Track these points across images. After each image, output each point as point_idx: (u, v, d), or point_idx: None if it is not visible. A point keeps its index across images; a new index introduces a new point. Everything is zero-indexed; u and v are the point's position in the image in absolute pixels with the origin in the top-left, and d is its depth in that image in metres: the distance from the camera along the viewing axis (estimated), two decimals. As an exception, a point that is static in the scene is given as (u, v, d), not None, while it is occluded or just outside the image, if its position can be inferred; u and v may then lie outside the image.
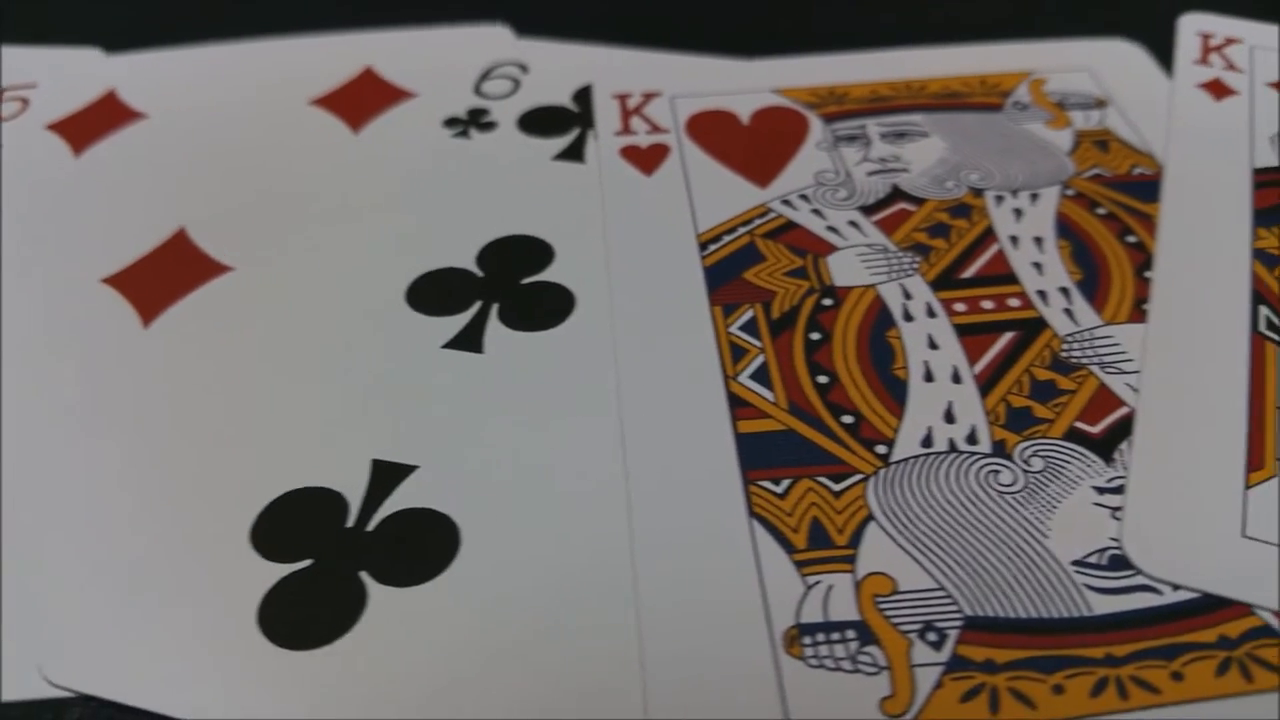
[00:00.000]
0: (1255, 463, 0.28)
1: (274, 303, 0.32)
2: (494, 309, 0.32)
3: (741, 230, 0.34)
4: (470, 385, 0.30)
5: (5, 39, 0.43)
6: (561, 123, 0.38)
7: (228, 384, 0.30)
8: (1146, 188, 0.35)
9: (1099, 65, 0.40)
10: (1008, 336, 0.30)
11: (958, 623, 0.24)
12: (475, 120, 0.38)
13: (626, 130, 0.38)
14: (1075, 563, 0.25)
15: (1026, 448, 0.28)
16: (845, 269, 0.32)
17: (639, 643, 0.24)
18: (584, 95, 0.39)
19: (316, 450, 0.28)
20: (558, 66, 0.40)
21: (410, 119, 0.38)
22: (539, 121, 0.38)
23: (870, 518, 0.26)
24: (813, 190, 0.35)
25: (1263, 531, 0.26)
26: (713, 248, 0.33)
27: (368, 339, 0.31)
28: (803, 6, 0.46)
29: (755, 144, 0.37)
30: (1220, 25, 0.43)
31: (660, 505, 0.27)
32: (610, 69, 0.40)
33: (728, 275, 0.32)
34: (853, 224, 0.34)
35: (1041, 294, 0.32)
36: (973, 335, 0.30)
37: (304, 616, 0.25)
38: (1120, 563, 0.26)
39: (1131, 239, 0.33)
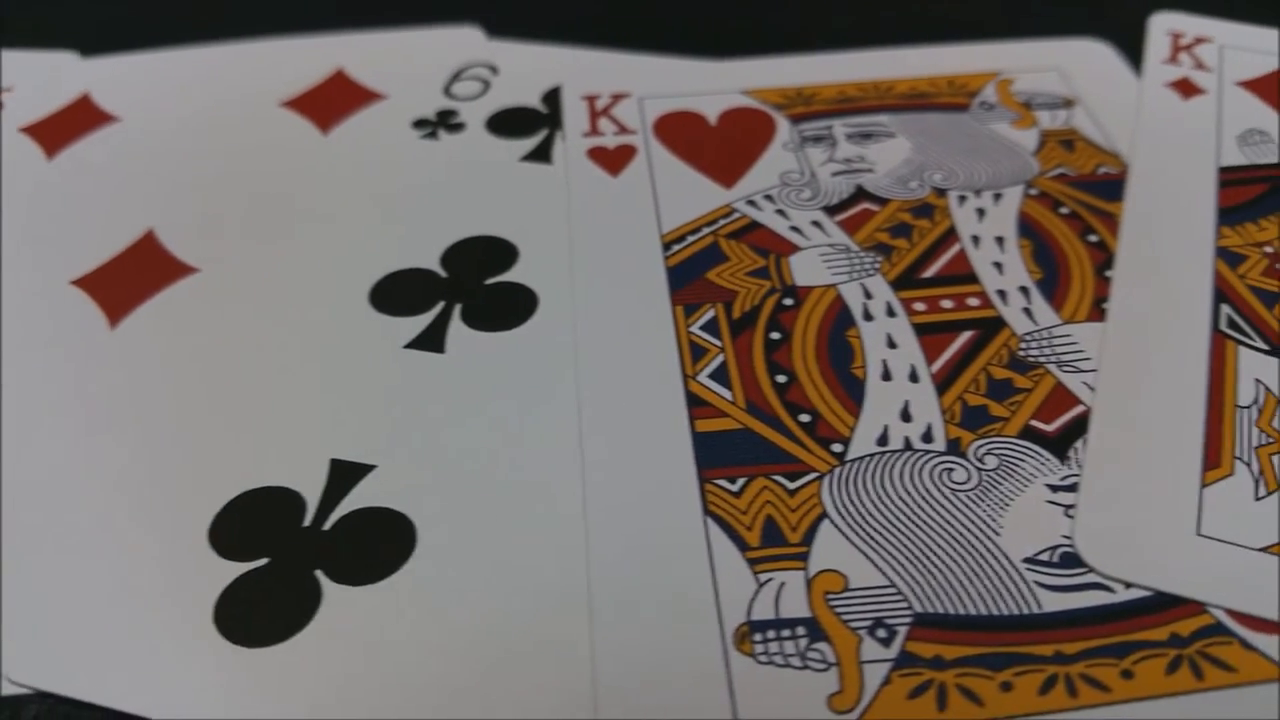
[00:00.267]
0: (1212, 461, 0.28)
1: (238, 304, 0.32)
2: (457, 309, 0.32)
3: (705, 231, 0.34)
4: (431, 385, 0.30)
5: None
6: (530, 124, 0.38)
7: (190, 384, 0.30)
8: (1110, 187, 0.35)
9: (1068, 65, 0.40)
10: (966, 335, 0.31)
11: (907, 619, 0.25)
12: (444, 121, 0.38)
13: (594, 131, 0.38)
14: (1027, 560, 0.26)
15: (981, 446, 0.28)
16: (807, 269, 0.33)
17: (591, 640, 0.24)
18: (553, 96, 0.39)
19: (277, 450, 0.28)
20: (528, 68, 0.40)
21: (379, 120, 0.39)
22: (507, 123, 0.38)
23: (824, 516, 0.26)
24: (778, 191, 0.35)
25: (1217, 530, 0.26)
26: (676, 248, 0.33)
27: (331, 339, 0.31)
28: (774, 7, 0.46)
29: (722, 145, 0.37)
30: (1191, 24, 0.43)
31: (616, 504, 0.27)
32: (580, 70, 0.40)
33: (690, 275, 0.33)
34: (816, 224, 0.34)
35: (1001, 293, 0.32)
36: (931, 334, 0.31)
37: (258, 615, 0.25)
38: (1072, 560, 0.26)
39: (1093, 238, 0.33)
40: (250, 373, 0.30)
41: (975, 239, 0.33)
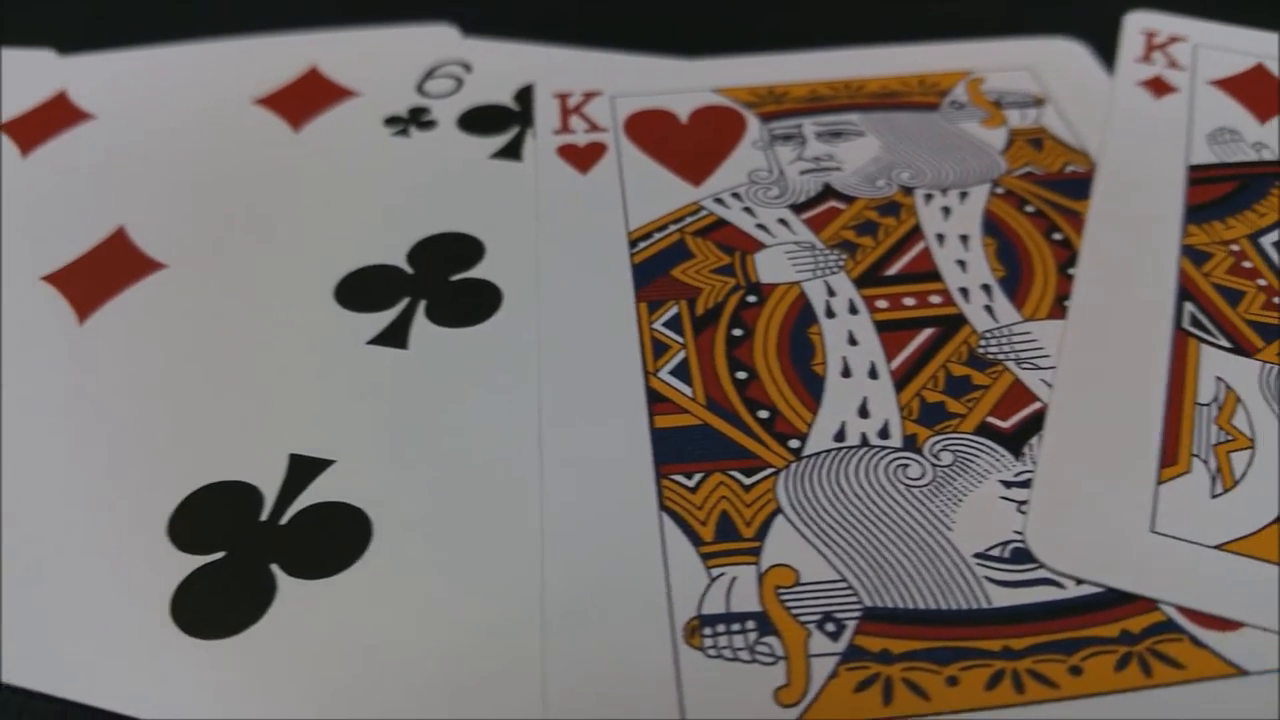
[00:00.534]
0: (1169, 459, 0.28)
1: (204, 300, 0.32)
2: (421, 306, 0.32)
3: (672, 228, 0.34)
4: (392, 381, 0.30)
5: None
6: (501, 121, 0.38)
7: (154, 379, 0.30)
8: (1078, 185, 0.35)
9: (1040, 64, 0.40)
10: (927, 333, 0.31)
11: (857, 614, 0.25)
12: (416, 119, 0.39)
13: (565, 129, 0.38)
14: (978, 555, 0.26)
15: (937, 442, 0.28)
16: (771, 266, 0.33)
17: (542, 633, 0.25)
18: (526, 94, 0.39)
19: (238, 444, 0.29)
20: (502, 66, 0.41)
21: (351, 118, 0.39)
22: (479, 120, 0.38)
23: (778, 511, 0.27)
24: (745, 188, 0.36)
25: (1172, 527, 0.26)
26: (643, 245, 0.34)
27: (295, 335, 0.31)
28: (748, 6, 0.46)
29: (691, 143, 0.37)
30: (1166, 23, 0.43)
31: (572, 500, 0.27)
32: (553, 68, 0.40)
33: (656, 272, 0.33)
34: (782, 222, 0.34)
35: (963, 291, 0.32)
36: (893, 331, 0.31)
37: (214, 608, 0.25)
38: (1023, 556, 0.26)
39: (1057, 236, 0.34)
40: (214, 368, 0.31)
41: (940, 237, 0.33)
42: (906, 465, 0.27)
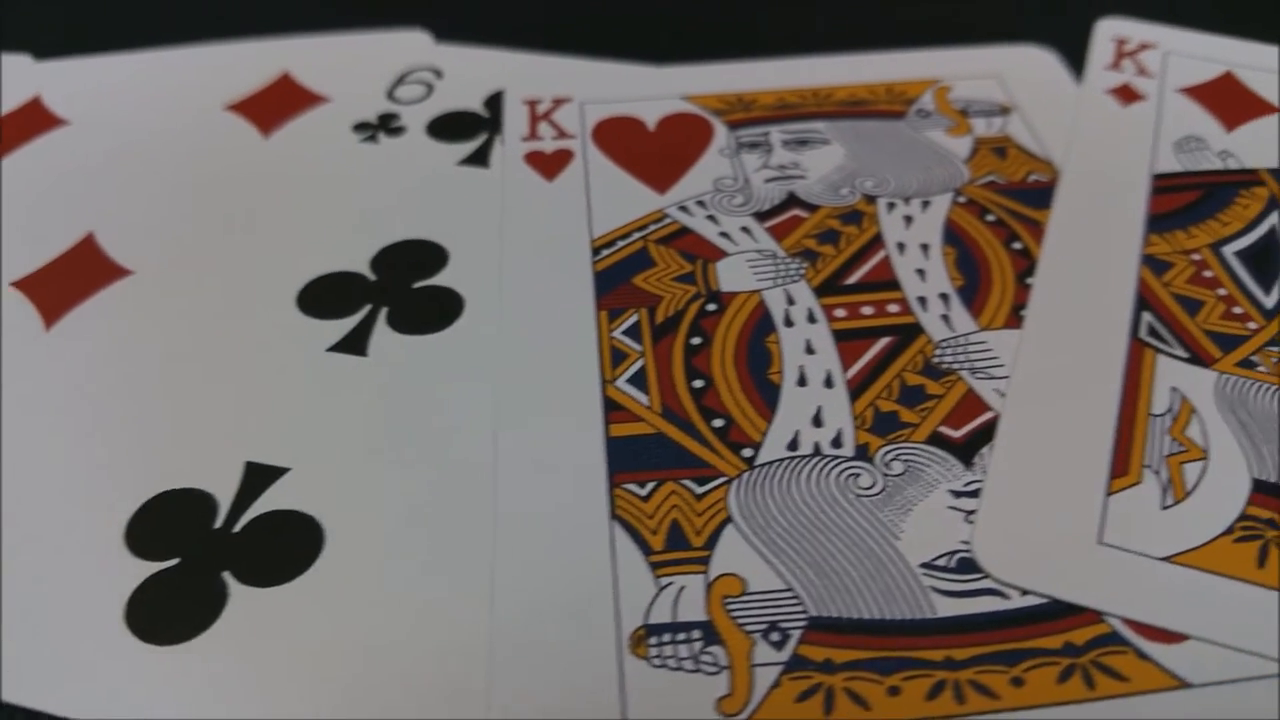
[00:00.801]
0: (1120, 470, 0.28)
1: (168, 306, 0.33)
2: (383, 313, 0.32)
3: (636, 236, 0.34)
4: (350, 388, 0.30)
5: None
6: (470, 128, 0.39)
7: (117, 386, 0.31)
8: (1040, 194, 0.35)
9: (1009, 72, 0.41)
10: (883, 342, 0.31)
11: (802, 623, 0.25)
12: (385, 125, 0.39)
13: (534, 136, 0.38)
14: (924, 565, 0.26)
15: (889, 451, 0.28)
16: (732, 275, 0.33)
17: (489, 642, 0.25)
18: (495, 101, 0.40)
19: (197, 451, 0.29)
20: (473, 72, 0.41)
21: (321, 124, 0.39)
22: (448, 127, 0.39)
23: (729, 520, 0.27)
24: (710, 196, 0.36)
25: (1119, 539, 0.26)
26: (606, 253, 0.34)
27: (256, 342, 0.31)
28: (720, 13, 0.46)
29: (658, 150, 0.37)
30: (1137, 31, 0.43)
31: (525, 508, 0.27)
32: (523, 75, 0.40)
33: (617, 280, 0.33)
34: (745, 230, 0.34)
35: (921, 300, 0.32)
36: (850, 340, 0.31)
37: (167, 614, 0.26)
38: (969, 566, 0.26)
39: (1017, 245, 0.34)
40: (175, 375, 0.31)
41: (900, 246, 0.34)
42: (858, 475, 0.28)
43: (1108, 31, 0.43)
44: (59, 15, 0.47)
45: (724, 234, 0.34)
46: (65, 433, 0.30)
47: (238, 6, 0.47)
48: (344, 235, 0.34)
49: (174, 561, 0.27)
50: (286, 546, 0.27)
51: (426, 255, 0.34)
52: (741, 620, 0.25)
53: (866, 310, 0.32)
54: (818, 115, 0.39)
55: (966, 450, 0.28)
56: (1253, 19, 0.44)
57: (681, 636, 0.25)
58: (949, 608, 0.25)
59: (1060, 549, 0.26)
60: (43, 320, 0.33)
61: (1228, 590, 0.26)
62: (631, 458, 0.28)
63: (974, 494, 0.27)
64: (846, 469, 0.28)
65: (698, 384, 0.30)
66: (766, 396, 0.29)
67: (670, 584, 0.26)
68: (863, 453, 0.28)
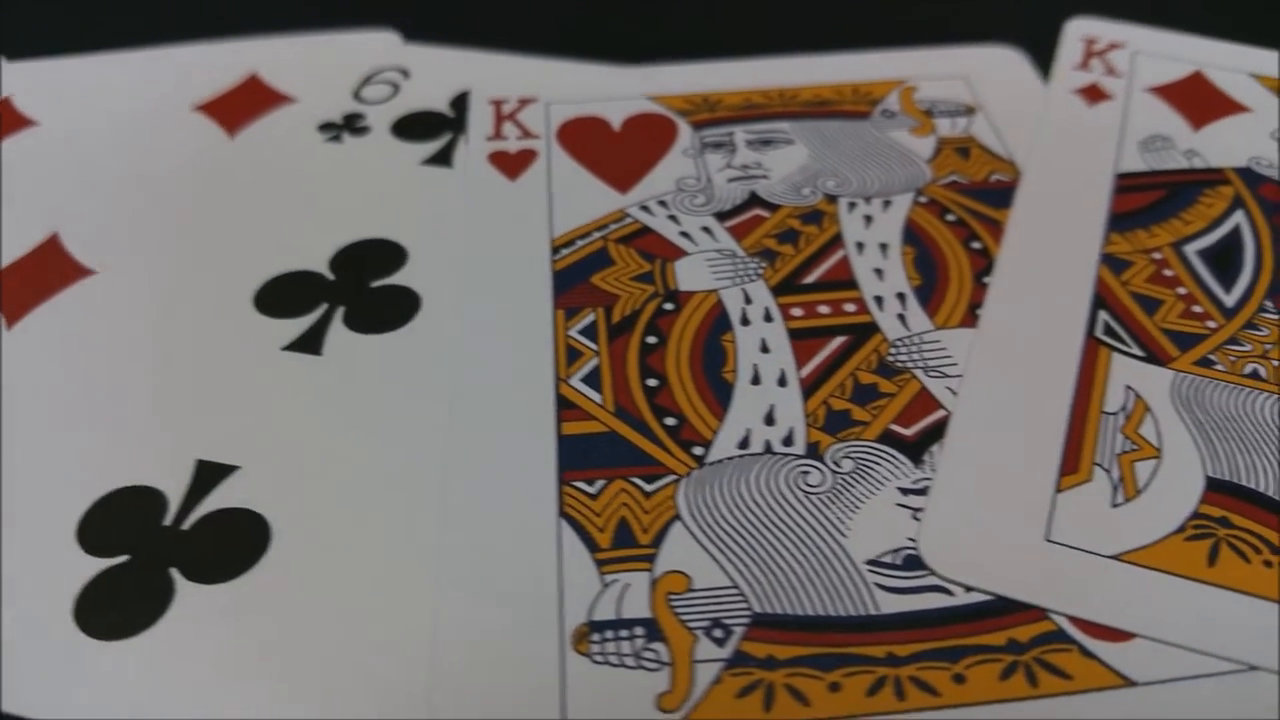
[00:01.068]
0: (1070, 467, 0.28)
1: (128, 306, 0.33)
2: (339, 312, 0.32)
3: (596, 235, 0.34)
4: (304, 387, 0.30)
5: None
6: (435, 128, 0.39)
7: (75, 385, 0.31)
8: (1001, 194, 0.35)
9: (976, 72, 0.41)
10: (838, 340, 0.31)
11: (745, 620, 0.25)
12: (350, 125, 0.39)
13: (498, 136, 0.38)
14: (870, 562, 0.26)
15: (839, 449, 0.28)
16: (691, 274, 0.33)
17: (433, 636, 0.25)
18: (461, 101, 0.40)
19: (151, 449, 0.29)
20: (440, 72, 0.41)
21: (286, 124, 0.39)
22: (412, 127, 0.39)
23: (676, 518, 0.27)
24: (672, 196, 0.36)
25: (1067, 536, 0.26)
26: (565, 252, 0.34)
27: (213, 342, 0.32)
28: (691, 13, 0.46)
29: (622, 150, 0.37)
30: (1107, 30, 0.43)
31: (472, 505, 0.27)
32: (491, 75, 0.40)
33: (576, 279, 0.33)
34: (705, 229, 0.34)
35: (878, 299, 0.32)
36: (805, 339, 0.31)
37: (114, 611, 0.26)
38: (914, 563, 0.26)
39: (976, 245, 0.34)
40: (132, 374, 0.31)
41: (859, 245, 0.34)
42: (807, 472, 0.28)
43: (1077, 31, 0.43)
44: (28, 16, 0.47)
45: (684, 234, 0.34)
46: (22, 430, 0.30)
47: (210, 7, 0.47)
48: (304, 235, 0.34)
49: (123, 558, 0.26)
50: (233, 544, 0.27)
51: (386, 255, 0.34)
52: (685, 617, 0.25)
53: (823, 309, 0.32)
54: (783, 115, 0.39)
55: (917, 448, 0.28)
56: (1230, 16, 0.44)
57: (624, 633, 0.25)
58: (893, 604, 0.25)
59: (1007, 546, 0.26)
60: (4, 319, 0.33)
61: (1176, 589, 0.26)
62: (582, 456, 0.28)
63: (923, 492, 0.27)
64: (796, 467, 0.28)
65: (651, 383, 0.30)
66: (720, 395, 0.30)
67: (615, 581, 0.26)
68: (813, 451, 0.28)
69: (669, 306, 0.32)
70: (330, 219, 0.35)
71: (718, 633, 0.25)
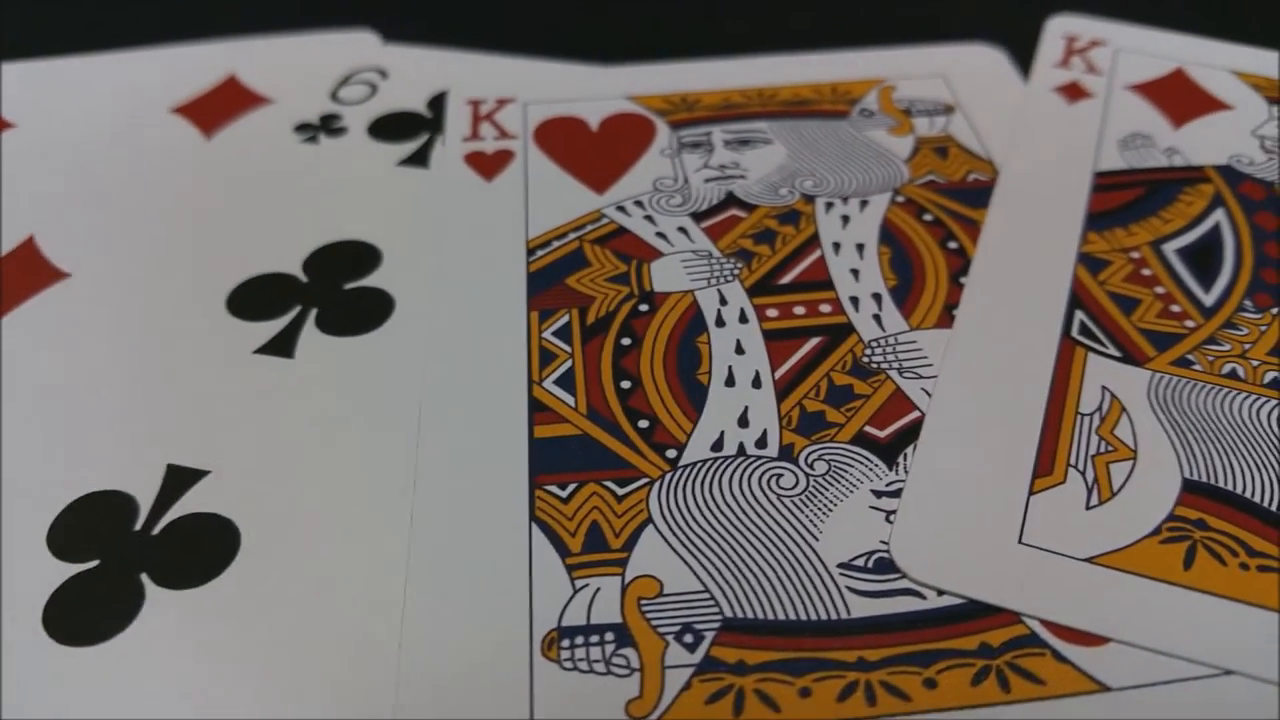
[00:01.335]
0: (1044, 469, 0.28)
1: (102, 309, 0.33)
2: (312, 315, 0.32)
3: (572, 236, 0.34)
4: (275, 391, 0.30)
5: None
6: (411, 129, 0.39)
7: (48, 388, 0.31)
8: (979, 194, 0.35)
9: (955, 71, 0.40)
10: (814, 341, 0.31)
11: (716, 624, 0.25)
12: (326, 126, 0.39)
13: (475, 136, 0.38)
14: (841, 565, 0.26)
15: (812, 451, 0.28)
16: (666, 275, 0.33)
17: (401, 640, 0.25)
18: (439, 101, 0.39)
19: (122, 453, 0.29)
20: (418, 72, 0.41)
21: (263, 125, 0.39)
22: (388, 127, 0.38)
23: (649, 521, 0.27)
24: (649, 196, 0.36)
25: (1040, 539, 0.26)
26: (540, 253, 0.34)
27: (185, 345, 0.31)
28: (669, 13, 0.46)
29: (600, 150, 0.37)
30: (1088, 27, 0.43)
31: (443, 510, 0.27)
32: (469, 75, 0.40)
33: (551, 280, 0.33)
34: (681, 230, 0.34)
35: (854, 300, 0.32)
36: (780, 340, 0.31)
37: (84, 616, 0.25)
38: (886, 566, 0.26)
39: (953, 245, 0.34)
40: (103, 378, 0.31)
41: (836, 245, 0.33)
42: (780, 475, 0.27)
43: (1058, 29, 0.43)
44: (5, 18, 0.46)
45: (660, 234, 0.34)
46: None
47: (188, 7, 0.46)
48: (278, 237, 0.34)
49: (93, 563, 0.26)
50: (202, 549, 0.26)
51: (360, 256, 0.34)
52: (656, 622, 0.25)
53: (799, 310, 0.32)
54: (761, 115, 0.39)
55: (891, 450, 0.28)
56: (1214, 13, 0.44)
57: (594, 639, 0.24)
58: (864, 608, 0.25)
59: (979, 549, 0.26)
60: (-22, 323, 0.33)
61: (1152, 592, 0.25)
62: (554, 459, 0.28)
63: (896, 494, 0.27)
64: (770, 469, 0.28)
65: (625, 385, 0.30)
66: (694, 397, 0.29)
67: (586, 586, 0.25)
68: (787, 453, 0.28)
69: (644, 308, 0.32)
70: (305, 221, 0.35)
71: (688, 638, 0.25)
